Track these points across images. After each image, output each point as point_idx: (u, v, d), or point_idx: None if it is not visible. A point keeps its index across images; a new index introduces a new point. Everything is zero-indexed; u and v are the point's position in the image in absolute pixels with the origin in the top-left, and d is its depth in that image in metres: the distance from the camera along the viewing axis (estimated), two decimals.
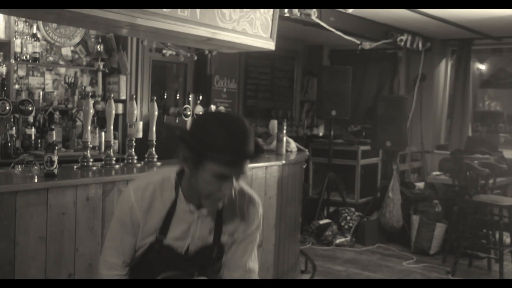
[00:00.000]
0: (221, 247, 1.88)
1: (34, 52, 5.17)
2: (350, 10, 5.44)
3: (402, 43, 6.91)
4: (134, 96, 3.83)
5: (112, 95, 3.92)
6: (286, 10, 4.82)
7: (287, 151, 4.75)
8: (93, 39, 5.77)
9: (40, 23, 5.23)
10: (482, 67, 8.01)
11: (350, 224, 6.31)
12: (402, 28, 6.85)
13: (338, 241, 6.10)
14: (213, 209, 1.81)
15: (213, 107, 4.83)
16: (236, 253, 1.91)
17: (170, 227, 1.81)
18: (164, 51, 6.19)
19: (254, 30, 4.00)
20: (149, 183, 1.83)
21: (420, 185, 6.91)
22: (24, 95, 5.02)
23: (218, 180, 1.67)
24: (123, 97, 5.79)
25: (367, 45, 6.54)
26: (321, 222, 6.34)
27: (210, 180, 1.67)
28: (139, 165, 3.51)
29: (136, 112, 3.75)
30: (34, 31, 5.20)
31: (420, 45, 7.31)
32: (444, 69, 7.98)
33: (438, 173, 6.75)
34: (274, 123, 5.08)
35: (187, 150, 1.68)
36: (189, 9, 3.49)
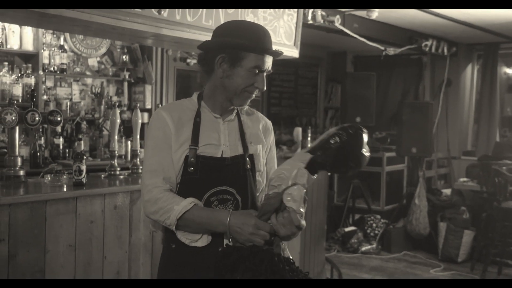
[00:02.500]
0: (252, 158, 1.95)
1: (62, 63, 5.27)
2: (373, 16, 5.41)
3: (427, 48, 6.85)
4: (160, 105, 3.86)
5: (138, 105, 3.95)
6: (309, 17, 4.83)
7: None
8: (118, 50, 5.85)
9: (67, 34, 5.33)
10: (510, 71, 7.88)
11: (376, 232, 6.25)
12: (426, 33, 6.79)
13: (364, 248, 6.05)
14: (243, 103, 1.93)
15: None
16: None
17: (200, 136, 1.89)
18: (188, 60, 6.25)
19: (278, 38, 4.01)
20: (174, 103, 2.03)
21: (447, 191, 6.82)
22: (52, 106, 5.12)
23: (253, 74, 1.86)
24: (148, 106, 5.86)
25: (391, 51, 6.50)
26: (347, 229, 6.29)
27: (246, 75, 1.86)
28: None
29: None
30: (62, 42, 5.30)
31: (445, 50, 7.24)
32: (470, 74, 7.88)
33: (465, 179, 6.65)
34: (298, 131, 5.08)
35: (224, 52, 1.85)
36: (214, 19, 3.52)
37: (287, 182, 1.73)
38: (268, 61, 1.89)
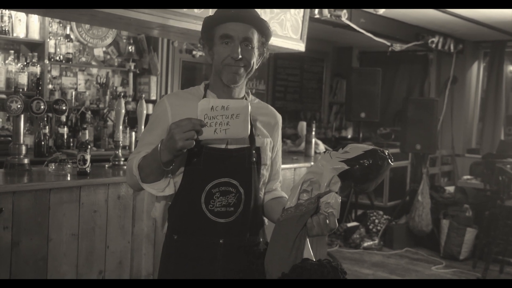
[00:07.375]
0: (259, 151, 1.93)
1: (67, 53, 5.27)
2: (380, 12, 5.39)
3: (434, 45, 6.82)
4: None
5: (143, 95, 3.95)
6: (316, 11, 4.81)
7: (315, 152, 4.74)
8: (124, 40, 5.85)
9: (74, 24, 5.33)
10: None
11: (378, 228, 6.25)
12: (433, 30, 6.76)
13: (365, 244, 6.05)
14: (231, 79, 1.88)
15: None
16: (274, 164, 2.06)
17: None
18: (194, 52, 6.25)
19: (284, 31, 4.00)
20: (181, 91, 2.03)
21: (450, 189, 6.81)
22: (57, 95, 5.13)
23: (226, 45, 1.83)
24: (153, 97, 5.87)
25: (397, 46, 6.48)
26: (349, 225, 6.29)
27: (221, 49, 1.84)
28: None
29: None
30: (68, 32, 5.30)
31: (451, 47, 7.21)
32: (476, 72, 7.85)
33: (469, 177, 6.63)
34: (302, 125, 5.07)
35: (201, 37, 1.92)
36: None
37: (320, 187, 1.73)
38: (237, 29, 1.83)
